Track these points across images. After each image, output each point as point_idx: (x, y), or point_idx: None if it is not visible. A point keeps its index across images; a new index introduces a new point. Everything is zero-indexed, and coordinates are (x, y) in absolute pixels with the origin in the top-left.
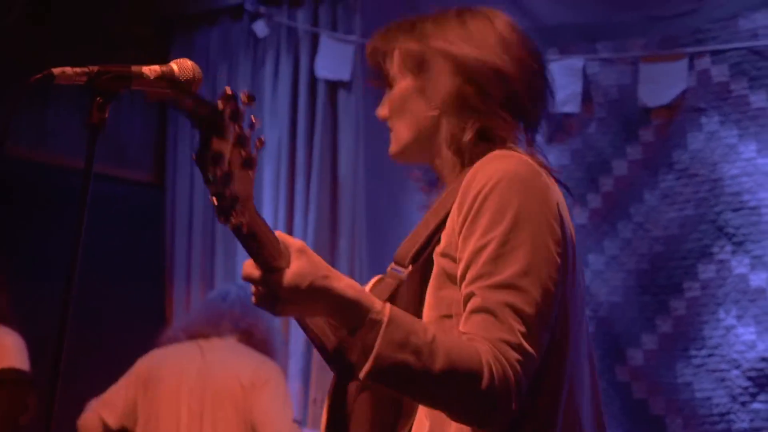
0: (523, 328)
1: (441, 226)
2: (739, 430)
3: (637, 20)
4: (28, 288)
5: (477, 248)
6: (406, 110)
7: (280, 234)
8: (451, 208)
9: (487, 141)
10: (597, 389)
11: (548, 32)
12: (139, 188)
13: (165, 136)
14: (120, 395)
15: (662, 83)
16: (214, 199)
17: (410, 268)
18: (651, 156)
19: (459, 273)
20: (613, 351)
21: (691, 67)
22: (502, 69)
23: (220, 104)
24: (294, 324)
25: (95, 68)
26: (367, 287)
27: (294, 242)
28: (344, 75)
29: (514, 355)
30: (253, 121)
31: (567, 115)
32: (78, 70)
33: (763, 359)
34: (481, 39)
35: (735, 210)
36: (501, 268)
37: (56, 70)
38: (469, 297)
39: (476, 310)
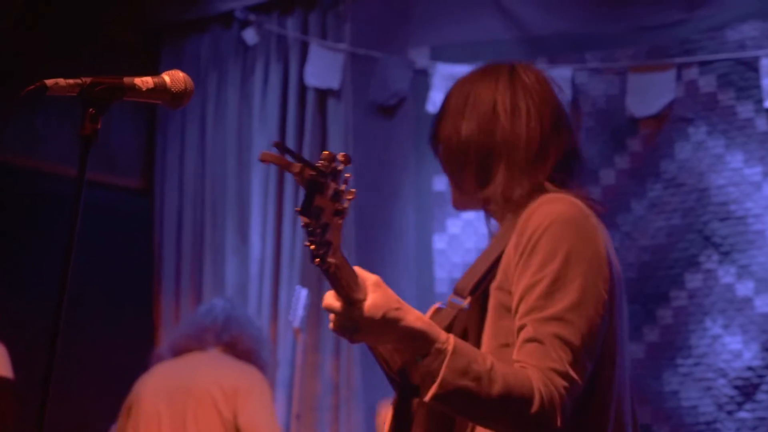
0: (570, 357)
1: (497, 262)
2: None
3: (625, 31)
4: (16, 295)
5: (531, 284)
6: (459, 175)
7: (357, 269)
8: (505, 246)
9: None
10: (635, 413)
11: (538, 42)
12: (128, 195)
13: (154, 143)
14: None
15: (650, 93)
16: (312, 246)
17: (469, 299)
18: (639, 166)
19: (513, 306)
20: None
21: (678, 77)
22: (548, 134)
23: (321, 165)
24: (282, 335)
25: (88, 80)
26: (428, 314)
27: (370, 276)
28: (333, 83)
29: (561, 382)
30: (347, 176)
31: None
32: (71, 81)
33: (749, 368)
34: (532, 106)
35: (722, 220)
36: (552, 303)
37: (49, 82)
38: (521, 328)
39: (528, 340)
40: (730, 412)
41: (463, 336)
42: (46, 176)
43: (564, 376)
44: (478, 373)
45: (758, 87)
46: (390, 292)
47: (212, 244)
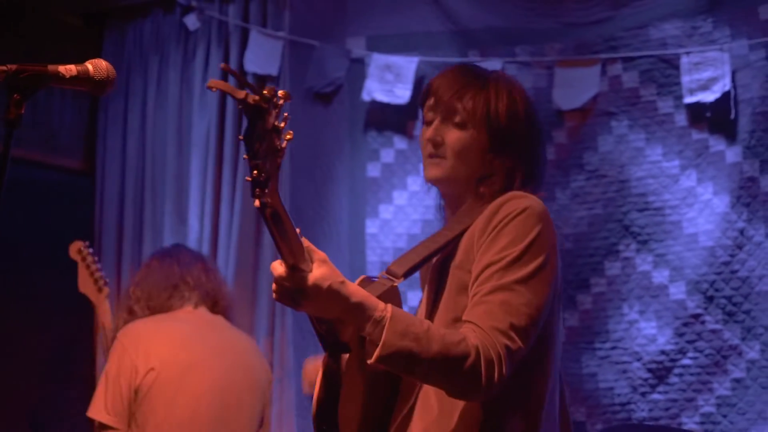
0: (514, 321)
1: (453, 242)
2: (638, 419)
3: (554, 26)
4: None
5: (493, 261)
6: (468, 156)
7: (306, 242)
8: (465, 229)
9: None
10: (564, 398)
11: (470, 35)
12: (69, 175)
13: (96, 124)
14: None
15: (576, 87)
16: (254, 173)
17: (402, 279)
18: (563, 157)
19: (471, 279)
20: None
21: (603, 72)
22: (534, 147)
23: (266, 93)
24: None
25: (13, 67)
26: (356, 283)
27: (318, 252)
28: (272, 70)
29: (502, 340)
30: (286, 116)
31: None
32: None
33: (663, 352)
34: (528, 120)
35: (640, 210)
36: (507, 275)
37: None
38: (475, 294)
39: (478, 303)
40: (643, 394)
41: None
42: None
43: (505, 334)
44: (416, 334)
45: (678, 84)
46: (335, 268)
47: (152, 225)
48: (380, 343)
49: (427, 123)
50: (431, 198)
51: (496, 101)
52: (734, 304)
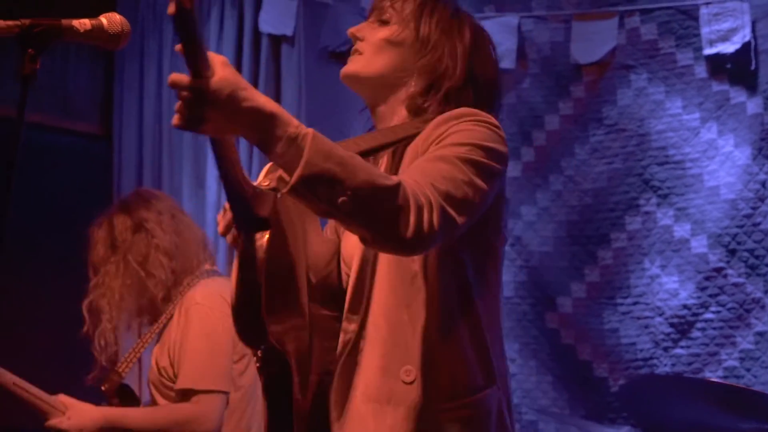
0: (452, 191)
1: (365, 153)
2: (661, 373)
3: None
4: None
5: (441, 146)
6: (391, 52)
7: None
8: (391, 142)
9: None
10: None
11: None
12: (86, 139)
13: (111, 87)
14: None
15: (593, 41)
16: None
17: None
18: (582, 111)
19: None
20: (543, 299)
21: (621, 25)
22: (478, 72)
23: None
24: None
25: (27, 21)
26: (262, 174)
27: (217, 56)
28: (287, 30)
29: (437, 197)
30: None
31: (502, 71)
32: (10, 23)
33: (685, 307)
34: (472, 42)
35: (660, 164)
36: (450, 151)
37: None
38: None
39: (412, 168)
40: (666, 349)
41: None
42: None
43: (441, 194)
44: (341, 157)
45: (698, 35)
46: (239, 74)
47: (170, 189)
48: (301, 162)
49: None
50: None
51: (432, 7)
52: (756, 257)
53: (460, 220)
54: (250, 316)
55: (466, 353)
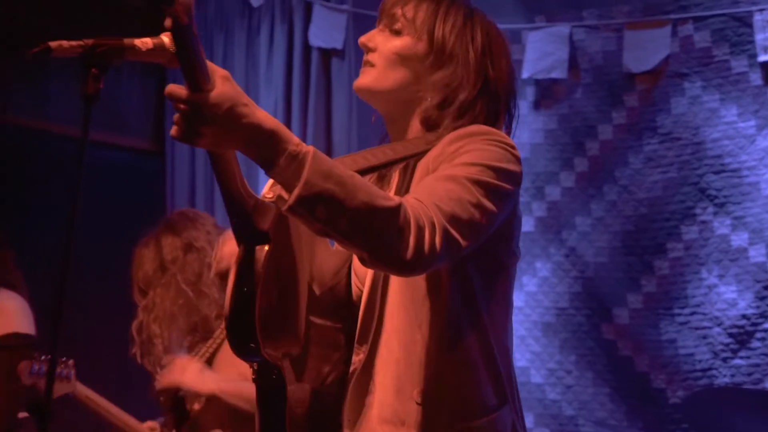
0: (458, 212)
1: (376, 168)
2: (720, 384)
3: None
4: (25, 255)
5: (452, 165)
6: (405, 66)
7: (207, 62)
8: (402, 158)
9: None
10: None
11: (535, 0)
12: (140, 155)
13: (164, 103)
14: None
15: (646, 49)
16: None
17: None
18: (635, 120)
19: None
20: (599, 310)
21: (674, 33)
22: (492, 80)
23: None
24: None
25: (90, 41)
26: (267, 186)
27: (219, 69)
28: (337, 43)
29: (441, 218)
30: None
31: (554, 81)
32: (74, 43)
33: (744, 316)
34: (485, 49)
35: (716, 172)
36: (460, 171)
37: (53, 44)
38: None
39: (419, 187)
40: (725, 359)
41: None
42: (54, 137)
43: (446, 215)
44: (341, 177)
45: (752, 42)
46: (239, 88)
47: (223, 204)
48: (300, 182)
49: None
50: None
51: (445, 13)
52: None
53: (464, 242)
54: (244, 330)
55: (478, 373)
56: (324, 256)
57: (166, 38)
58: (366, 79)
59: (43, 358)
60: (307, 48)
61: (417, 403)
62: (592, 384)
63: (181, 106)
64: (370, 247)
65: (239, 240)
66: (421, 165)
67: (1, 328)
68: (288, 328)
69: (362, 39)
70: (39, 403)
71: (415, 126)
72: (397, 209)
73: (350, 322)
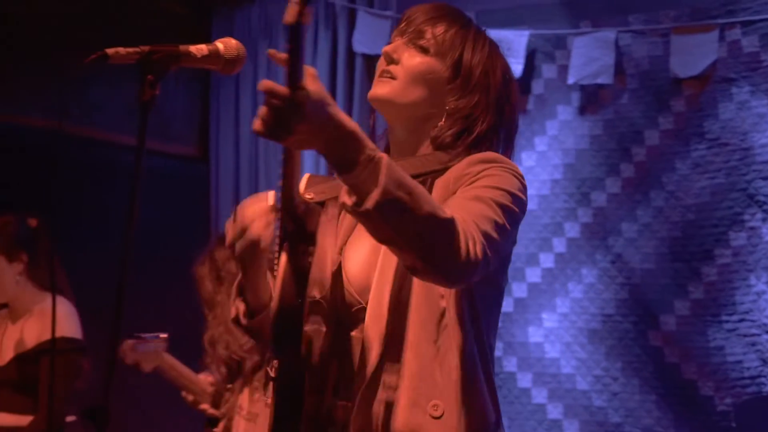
0: (489, 231)
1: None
2: None
3: None
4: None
5: (474, 189)
6: (427, 86)
7: None
8: (421, 173)
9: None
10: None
11: (580, 4)
12: (184, 162)
13: (208, 110)
14: None
15: (693, 54)
16: None
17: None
18: (682, 126)
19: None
20: (646, 317)
21: (721, 37)
22: (506, 114)
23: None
24: None
25: (146, 48)
26: (302, 185)
27: (308, 68)
28: (381, 49)
29: (479, 233)
30: None
31: (600, 87)
32: (130, 50)
33: None
34: (505, 84)
35: (765, 178)
36: (489, 194)
37: (110, 51)
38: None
39: (456, 204)
40: None
41: None
42: (99, 144)
43: (482, 231)
44: (410, 187)
45: None
46: (324, 87)
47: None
48: (379, 187)
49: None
50: (546, 173)
51: (473, 43)
52: None
53: (492, 258)
54: (286, 326)
55: (483, 388)
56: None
57: (221, 45)
58: (385, 89)
59: (144, 336)
60: (351, 54)
61: (432, 417)
62: (639, 391)
63: (276, 101)
64: (427, 255)
65: (284, 238)
66: (440, 182)
67: (50, 332)
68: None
69: (387, 49)
70: (94, 407)
71: (426, 144)
72: (453, 221)
73: (334, 326)
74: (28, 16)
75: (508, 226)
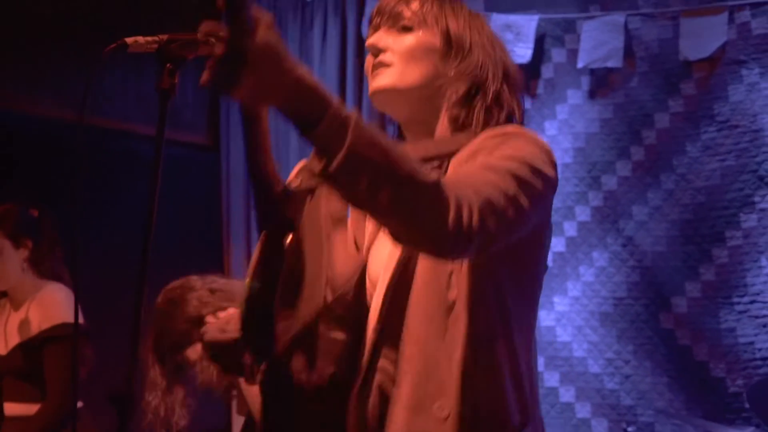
0: (494, 199)
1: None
2: None
3: None
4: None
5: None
6: (424, 60)
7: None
8: (434, 156)
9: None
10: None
11: None
12: (195, 150)
13: (218, 99)
14: None
15: (703, 37)
16: None
17: None
18: (692, 108)
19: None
20: (657, 299)
21: (731, 20)
22: (510, 69)
23: None
24: None
25: (165, 37)
26: (293, 173)
27: (264, 15)
28: None
29: (476, 201)
30: None
31: (610, 70)
32: (149, 38)
33: None
34: (496, 40)
35: None
36: (500, 163)
37: (129, 40)
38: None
39: (461, 171)
40: None
41: None
42: (111, 134)
43: (483, 200)
44: (386, 147)
45: None
46: (282, 39)
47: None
48: (344, 148)
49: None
50: (557, 157)
51: (452, 8)
52: None
53: (495, 230)
54: (260, 325)
55: (504, 388)
56: (340, 260)
57: None
58: (386, 79)
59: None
60: (360, 41)
61: (439, 419)
62: (651, 373)
63: (219, 47)
64: (409, 221)
65: (261, 223)
66: (455, 161)
67: (51, 319)
68: (290, 330)
69: (370, 41)
70: (120, 393)
71: (443, 125)
72: (438, 184)
73: (356, 332)
74: (50, 6)
75: (523, 199)
